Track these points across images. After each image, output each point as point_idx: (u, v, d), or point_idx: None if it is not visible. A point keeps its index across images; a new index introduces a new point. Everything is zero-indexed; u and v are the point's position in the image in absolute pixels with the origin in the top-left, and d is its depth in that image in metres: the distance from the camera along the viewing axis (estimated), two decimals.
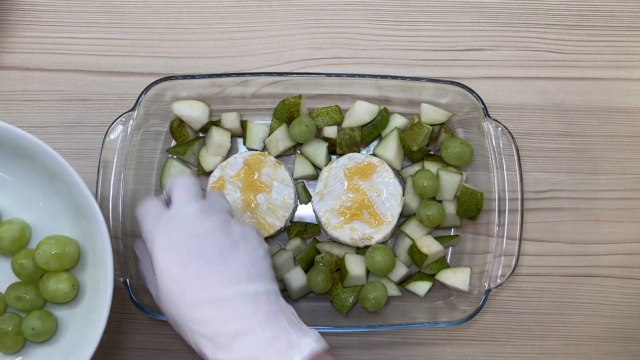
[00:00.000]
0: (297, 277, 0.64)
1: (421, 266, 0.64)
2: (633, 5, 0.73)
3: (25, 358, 0.59)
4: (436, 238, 0.66)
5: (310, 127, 0.65)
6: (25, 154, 0.55)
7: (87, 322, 0.56)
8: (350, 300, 0.63)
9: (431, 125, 0.67)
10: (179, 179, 0.53)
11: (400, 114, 0.68)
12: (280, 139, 0.66)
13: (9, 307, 0.59)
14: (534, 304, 0.68)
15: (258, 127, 0.68)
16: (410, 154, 0.67)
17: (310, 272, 0.64)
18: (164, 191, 0.56)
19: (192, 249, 0.49)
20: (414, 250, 0.64)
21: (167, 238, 0.49)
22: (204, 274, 0.48)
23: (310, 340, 0.47)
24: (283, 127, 0.66)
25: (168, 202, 0.53)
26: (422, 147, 0.67)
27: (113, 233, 0.61)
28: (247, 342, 0.46)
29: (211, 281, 0.47)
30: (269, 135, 0.67)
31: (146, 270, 0.54)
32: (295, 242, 0.66)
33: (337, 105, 0.67)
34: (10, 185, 0.60)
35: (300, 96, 0.66)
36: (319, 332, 0.65)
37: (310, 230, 0.66)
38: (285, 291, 0.66)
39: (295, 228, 0.66)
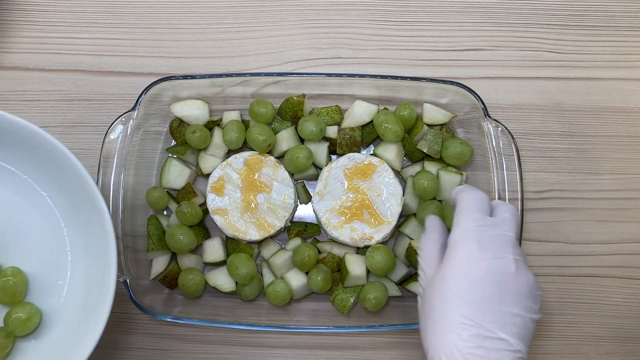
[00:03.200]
0: (297, 277, 0.64)
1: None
2: (633, 5, 0.73)
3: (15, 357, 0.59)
4: None
5: (323, 128, 0.65)
6: (29, 144, 0.56)
7: (84, 321, 0.56)
8: (351, 301, 0.63)
9: (433, 125, 0.67)
10: (509, 205, 0.52)
11: None
12: (286, 139, 0.66)
13: None
14: None
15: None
16: (411, 154, 0.67)
17: (310, 272, 0.64)
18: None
19: (494, 271, 0.47)
20: (410, 252, 0.64)
21: (478, 244, 0.48)
22: (489, 302, 0.47)
23: None
24: (291, 129, 0.67)
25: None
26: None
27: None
28: None
29: (490, 313, 0.46)
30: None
31: (429, 248, 0.53)
32: (296, 242, 0.66)
33: (337, 105, 0.67)
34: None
35: (304, 95, 0.66)
36: (320, 333, 0.66)
37: (310, 230, 0.66)
38: None
39: (295, 228, 0.66)
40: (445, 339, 0.46)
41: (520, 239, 0.62)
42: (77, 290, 0.59)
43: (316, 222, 0.67)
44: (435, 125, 0.67)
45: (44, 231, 0.61)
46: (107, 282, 0.53)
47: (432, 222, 0.56)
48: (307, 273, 0.65)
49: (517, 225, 0.51)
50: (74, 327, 0.58)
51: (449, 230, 0.53)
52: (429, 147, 0.65)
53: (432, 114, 0.67)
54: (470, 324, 0.46)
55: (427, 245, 0.54)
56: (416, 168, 0.68)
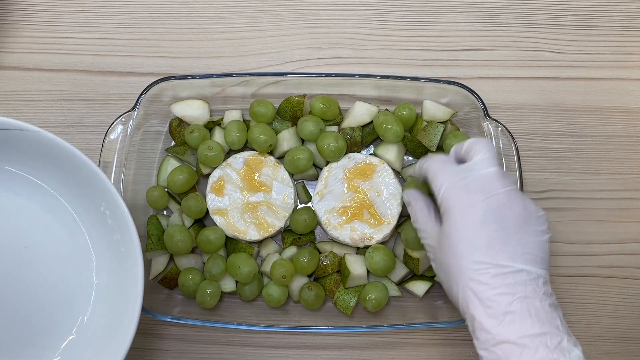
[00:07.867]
0: (296, 280, 0.64)
1: (417, 272, 0.64)
2: (633, 5, 0.73)
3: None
4: None
5: (322, 128, 0.65)
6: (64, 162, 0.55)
7: (104, 346, 0.55)
8: (354, 302, 0.63)
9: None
10: (481, 141, 0.52)
11: None
12: (287, 139, 0.66)
13: None
14: None
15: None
16: (414, 151, 0.67)
17: (302, 289, 0.63)
18: (451, 151, 0.55)
19: (490, 210, 0.48)
20: (407, 259, 0.64)
21: (466, 192, 0.49)
22: (497, 240, 0.48)
23: (579, 354, 0.45)
24: (292, 129, 0.67)
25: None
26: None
27: None
28: (515, 325, 0.45)
29: (501, 249, 0.47)
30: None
31: (422, 217, 0.55)
32: (292, 250, 0.65)
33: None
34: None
35: (304, 95, 0.66)
36: (319, 333, 0.66)
37: (304, 239, 0.66)
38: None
39: (289, 237, 0.66)
40: (469, 289, 0.47)
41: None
42: (101, 314, 0.58)
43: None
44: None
45: (69, 250, 0.58)
46: (132, 311, 0.52)
47: (411, 194, 0.57)
48: (308, 276, 0.65)
49: (494, 157, 0.51)
50: (96, 348, 0.56)
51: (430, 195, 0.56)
52: (428, 140, 0.65)
53: (432, 112, 0.67)
54: (486, 266, 0.47)
55: (419, 215, 0.55)
56: None
